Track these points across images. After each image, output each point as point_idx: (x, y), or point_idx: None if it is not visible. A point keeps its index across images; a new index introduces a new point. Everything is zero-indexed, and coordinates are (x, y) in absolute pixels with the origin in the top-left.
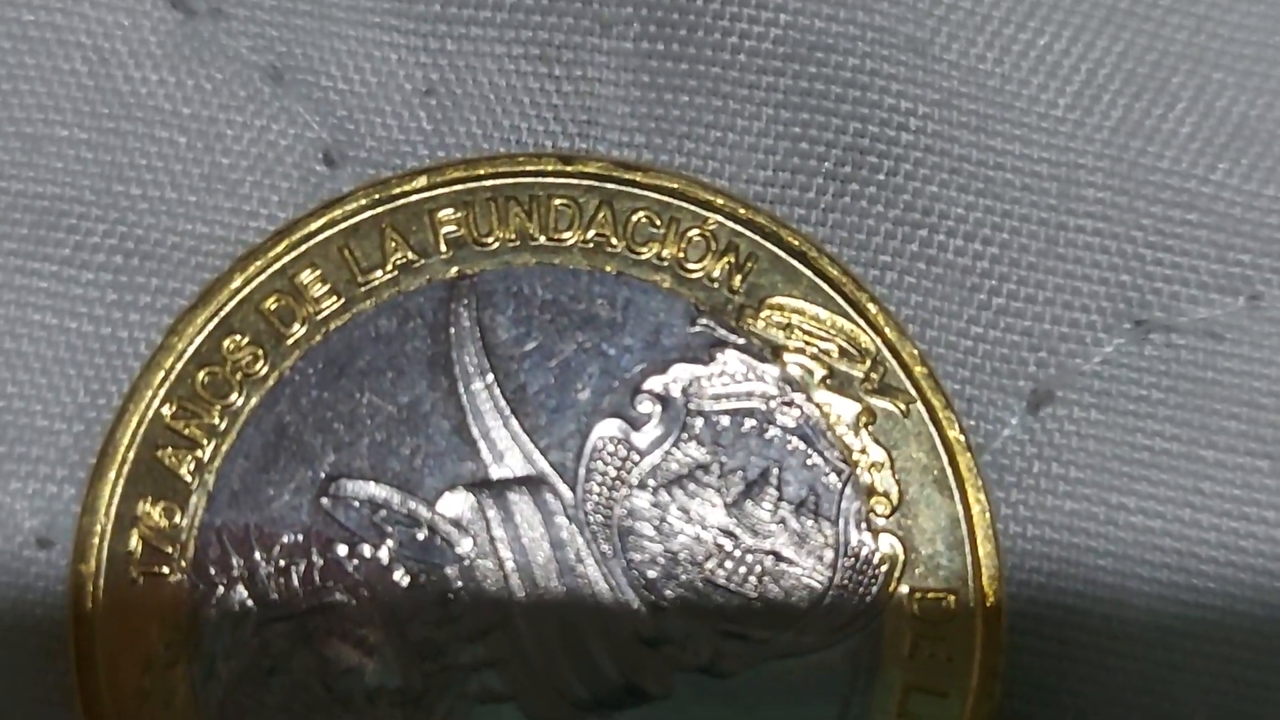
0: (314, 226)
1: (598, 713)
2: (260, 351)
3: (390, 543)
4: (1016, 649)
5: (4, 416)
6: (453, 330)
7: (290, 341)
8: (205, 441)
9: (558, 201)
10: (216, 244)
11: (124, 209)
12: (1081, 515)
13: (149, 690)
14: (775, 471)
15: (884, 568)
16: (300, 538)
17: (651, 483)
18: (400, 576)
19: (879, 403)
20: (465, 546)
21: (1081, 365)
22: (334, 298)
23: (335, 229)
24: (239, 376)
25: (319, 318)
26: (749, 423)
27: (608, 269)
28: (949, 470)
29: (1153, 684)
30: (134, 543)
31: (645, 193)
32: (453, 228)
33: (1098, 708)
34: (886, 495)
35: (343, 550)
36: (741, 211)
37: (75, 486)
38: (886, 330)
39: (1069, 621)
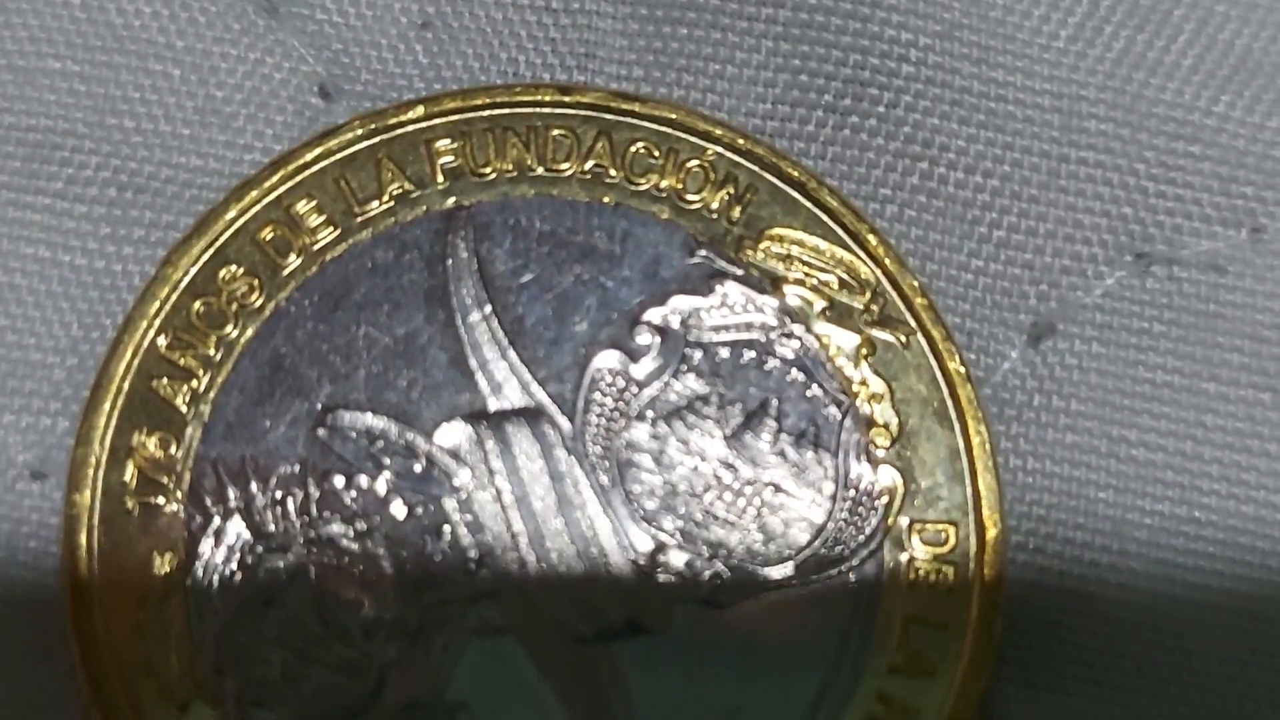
0: (309, 157)
1: (597, 646)
2: (256, 282)
3: (387, 474)
4: (1017, 582)
5: None
6: (450, 262)
7: (286, 273)
8: (200, 372)
9: (555, 132)
10: (211, 177)
11: (117, 142)
12: (1083, 448)
13: (144, 624)
14: (775, 403)
15: (884, 499)
16: (296, 469)
17: (650, 414)
18: (398, 508)
19: (879, 334)
20: (463, 478)
21: (1083, 298)
22: (330, 229)
23: (331, 159)
24: (234, 308)
25: (315, 249)
26: (748, 354)
27: (606, 200)
28: (949, 402)
29: (1154, 616)
30: (129, 473)
31: (643, 123)
32: (450, 159)
33: (1098, 641)
34: (886, 427)
35: (339, 482)
36: (740, 142)
37: (69, 420)
38: (886, 262)
39: (1070, 554)
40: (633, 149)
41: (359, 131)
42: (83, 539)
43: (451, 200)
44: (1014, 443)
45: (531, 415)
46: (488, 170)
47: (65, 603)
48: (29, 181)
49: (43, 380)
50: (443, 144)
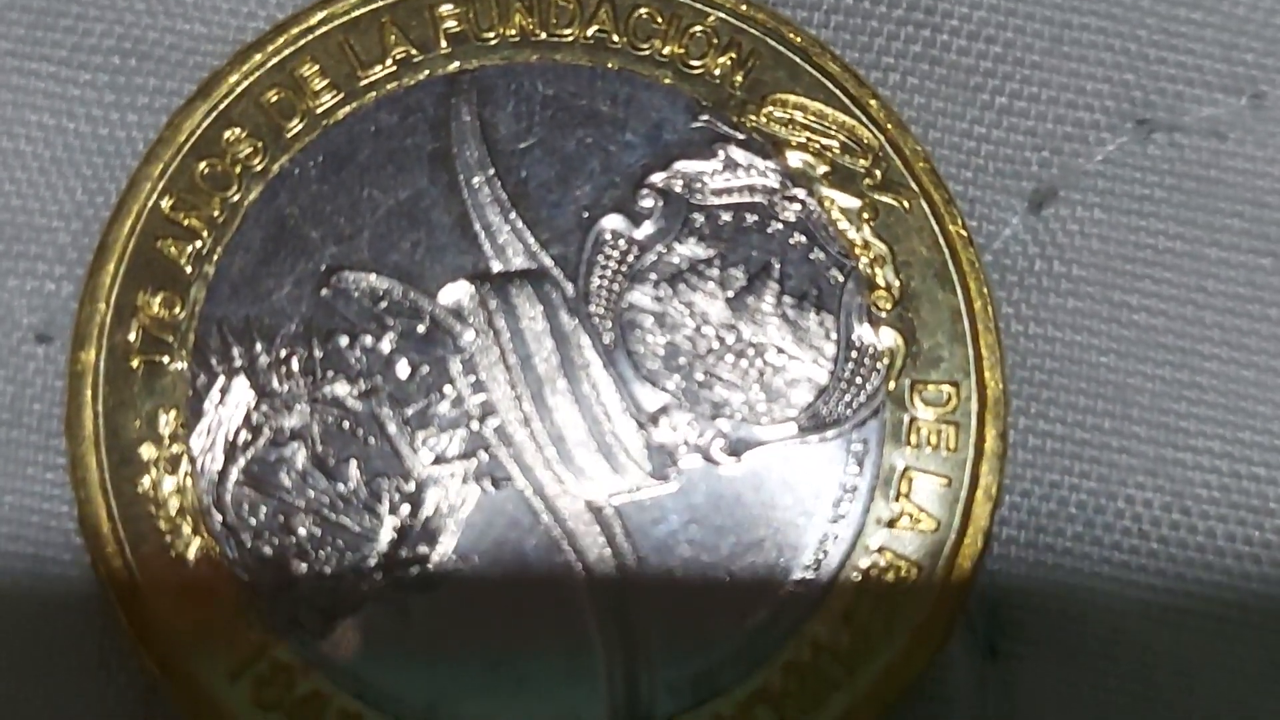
0: (313, 21)
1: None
2: (259, 145)
3: (391, 334)
4: (1018, 444)
5: (1, 215)
6: (453, 125)
7: (290, 135)
8: (205, 233)
9: None
10: (215, 44)
11: (121, 9)
12: (1084, 314)
13: (148, 480)
14: (777, 266)
15: (885, 360)
16: (301, 329)
17: (653, 276)
18: (402, 367)
19: (881, 198)
20: (467, 337)
21: (1084, 164)
22: (334, 92)
23: (335, 23)
24: (238, 170)
25: (318, 112)
26: (750, 217)
27: (609, 65)
28: (951, 264)
29: (1156, 478)
30: (134, 333)
31: None
32: (453, 23)
33: (1100, 502)
34: (888, 289)
35: (344, 341)
36: (744, 9)
37: (73, 284)
38: (889, 127)
39: (1071, 419)
40: (636, 14)
41: None
42: (88, 396)
43: (455, 65)
44: (1015, 308)
45: (535, 277)
46: (491, 35)
47: (68, 459)
48: (33, 49)
49: (47, 245)
50: (446, 9)
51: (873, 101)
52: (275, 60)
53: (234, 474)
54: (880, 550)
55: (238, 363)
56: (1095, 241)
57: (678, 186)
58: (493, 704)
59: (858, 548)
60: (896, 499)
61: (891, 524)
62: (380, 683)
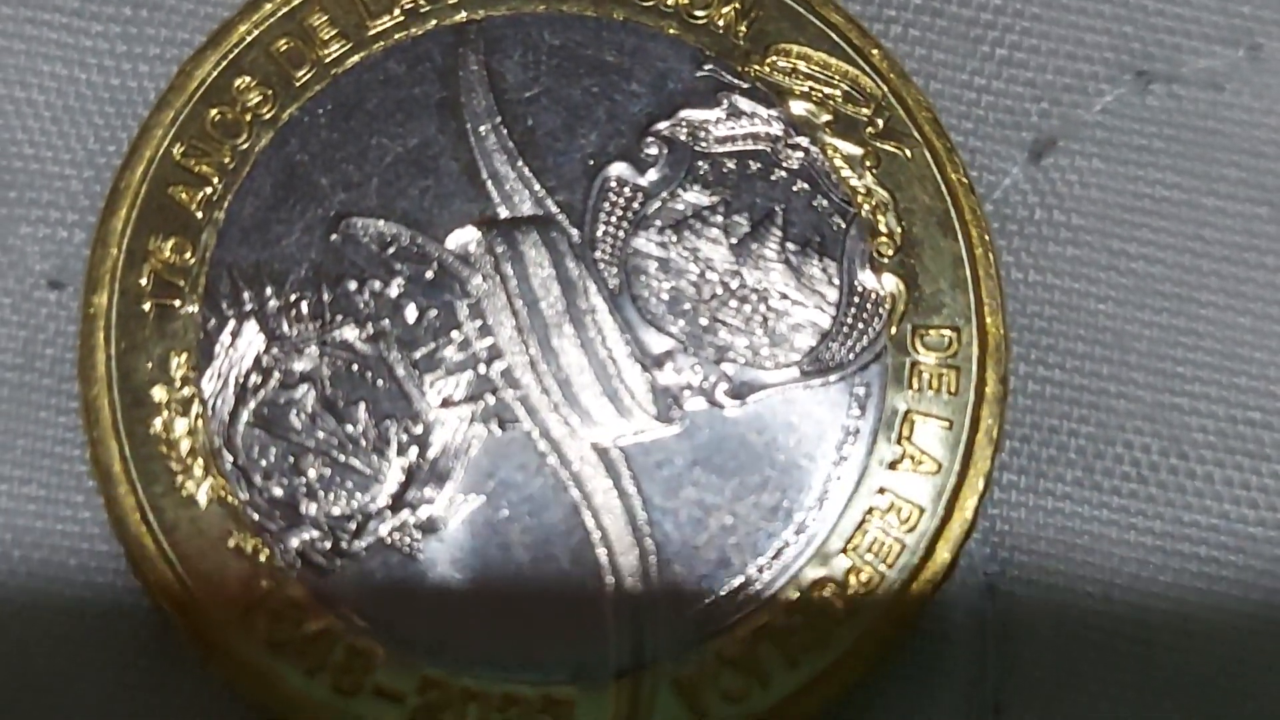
0: None
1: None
2: (269, 93)
3: (400, 279)
4: (1018, 390)
5: (14, 163)
6: (461, 74)
7: (299, 84)
8: (215, 179)
9: None
10: None
11: None
12: (1083, 261)
13: (159, 422)
14: (780, 212)
15: (887, 305)
16: (310, 273)
17: (658, 223)
18: (410, 312)
19: (883, 146)
20: (474, 282)
21: (1083, 115)
22: (342, 41)
23: None
24: (248, 117)
25: (327, 61)
26: (754, 165)
27: (615, 16)
28: (952, 212)
29: (1154, 423)
30: (145, 276)
31: None
32: None
33: (1099, 447)
34: (890, 236)
35: (352, 286)
36: None
37: (85, 231)
38: (891, 77)
39: (1070, 364)
40: None
41: None
42: (100, 339)
43: (462, 14)
44: (1016, 256)
45: (541, 223)
46: None
47: (82, 402)
48: (46, 1)
49: (60, 192)
50: None
51: (875, 52)
52: (285, 10)
53: (244, 416)
54: (882, 491)
55: (248, 307)
56: (1094, 191)
57: (682, 134)
58: (500, 643)
59: (860, 489)
60: (898, 441)
61: (893, 466)
62: (389, 622)
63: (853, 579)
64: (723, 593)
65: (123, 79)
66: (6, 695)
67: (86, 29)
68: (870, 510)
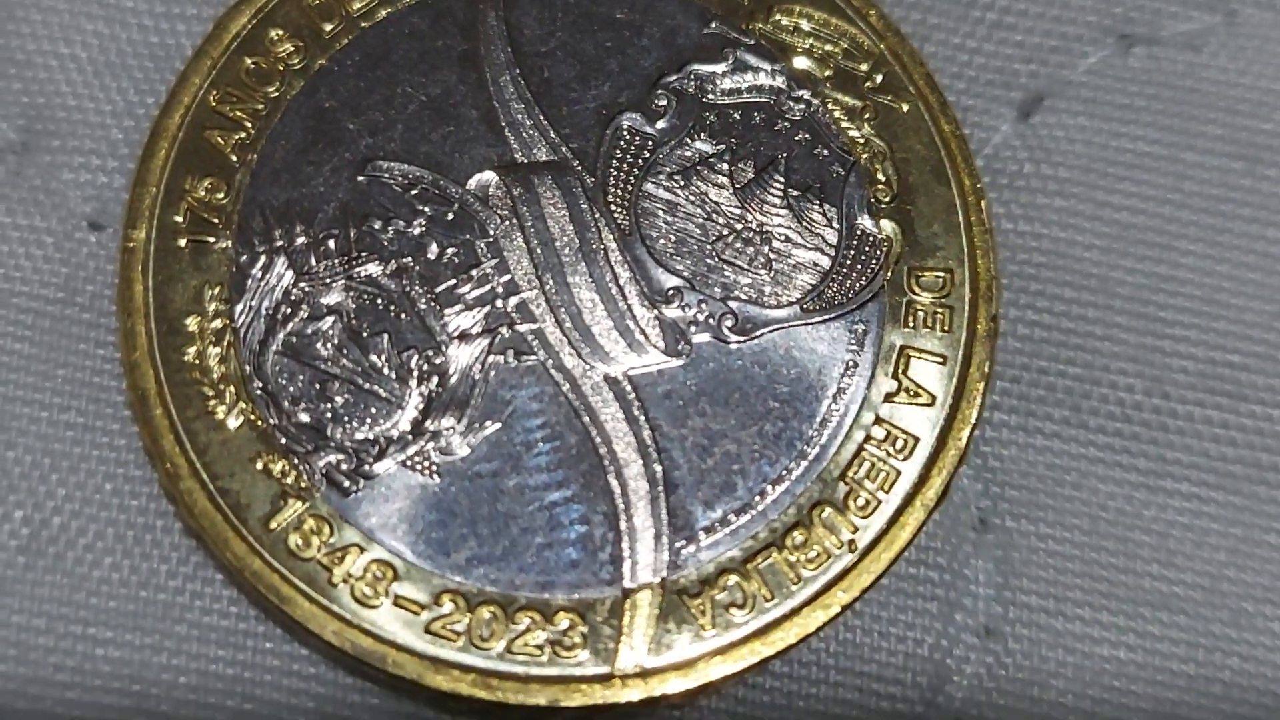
0: None
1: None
2: (301, 44)
3: (422, 219)
4: (1008, 333)
5: (58, 113)
6: (481, 29)
7: (329, 36)
8: (249, 124)
9: None
10: None
11: None
12: (1070, 212)
13: (192, 356)
14: (783, 160)
15: (885, 248)
16: (338, 212)
17: (667, 169)
18: (431, 249)
19: (881, 99)
20: (493, 223)
21: (1069, 75)
22: None
23: None
24: (281, 67)
25: (355, 14)
26: (758, 116)
27: None
28: (946, 161)
29: (1137, 364)
30: (182, 214)
31: None
32: None
33: (1086, 387)
34: (887, 183)
35: (377, 224)
36: None
37: (124, 176)
38: (888, 36)
39: (1058, 309)
40: None
41: None
42: (138, 271)
43: None
44: (1006, 207)
45: (556, 168)
46: None
47: (120, 330)
48: None
49: (101, 140)
50: None
51: (873, 13)
52: None
53: (274, 345)
54: (879, 421)
55: (278, 243)
56: (1080, 146)
57: (690, 87)
58: (513, 559)
59: (859, 419)
60: (895, 376)
61: (890, 398)
62: (408, 538)
63: (851, 503)
64: (728, 515)
65: (161, 36)
66: (50, 615)
67: None
68: (868, 439)
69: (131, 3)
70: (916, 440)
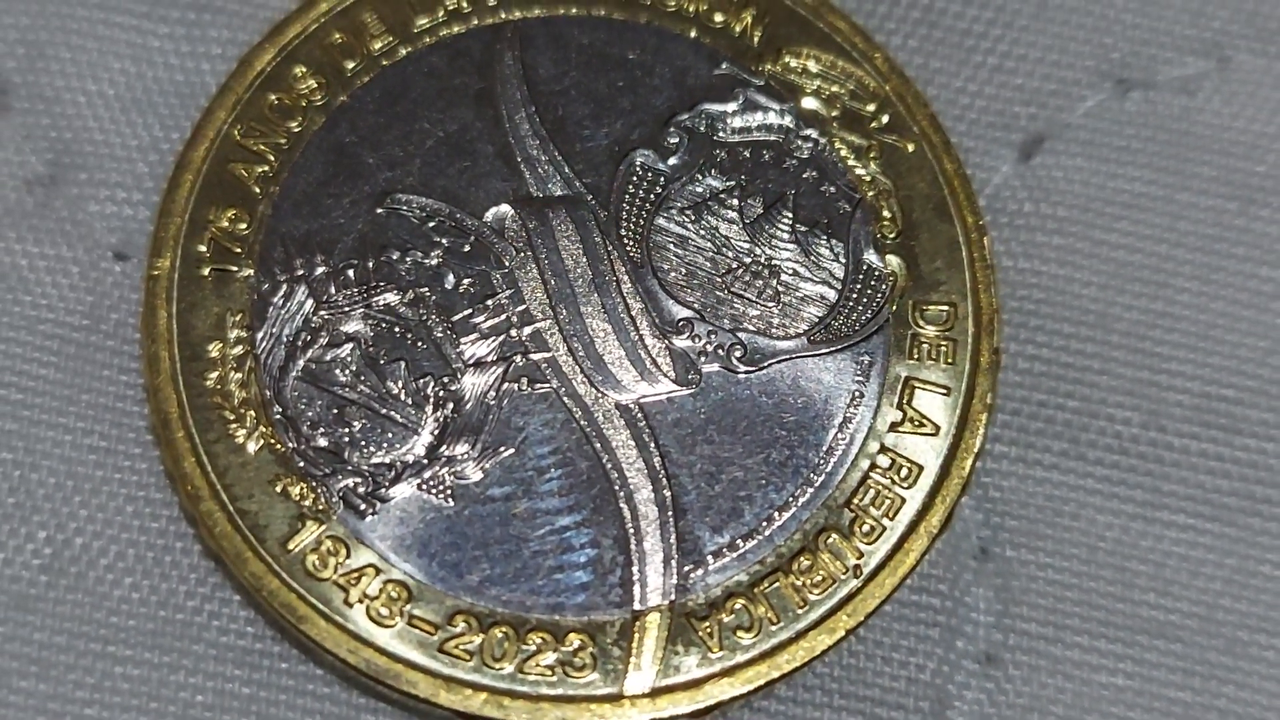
0: None
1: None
2: (323, 81)
3: (439, 250)
4: (1009, 366)
5: (85, 147)
6: (498, 68)
7: (350, 74)
8: (271, 158)
9: None
10: (284, 0)
11: None
12: (1069, 250)
13: (214, 381)
14: (791, 196)
15: (890, 282)
16: (357, 243)
17: (678, 204)
18: (448, 280)
19: (886, 139)
20: (508, 254)
21: (1067, 118)
22: (390, 37)
23: None
24: (303, 103)
25: (376, 54)
26: (767, 154)
27: (640, 19)
28: (949, 199)
29: (1134, 398)
30: (205, 244)
31: None
32: None
33: (1084, 420)
34: (892, 219)
35: (395, 255)
36: None
37: (149, 209)
38: (893, 78)
39: (1057, 343)
40: None
41: None
42: (163, 299)
43: (500, 15)
44: (1007, 245)
45: (570, 202)
46: None
47: (144, 356)
48: (118, 3)
49: (127, 173)
50: None
51: (878, 56)
52: (339, 7)
53: (294, 371)
54: (884, 450)
55: (299, 272)
56: (1078, 186)
57: (701, 125)
58: (525, 582)
59: (865, 448)
60: (900, 406)
61: (895, 427)
62: (422, 560)
63: (856, 529)
64: (735, 540)
65: (186, 75)
66: (71, 633)
67: (154, 30)
68: (873, 467)
69: (158, 42)
70: (921, 468)
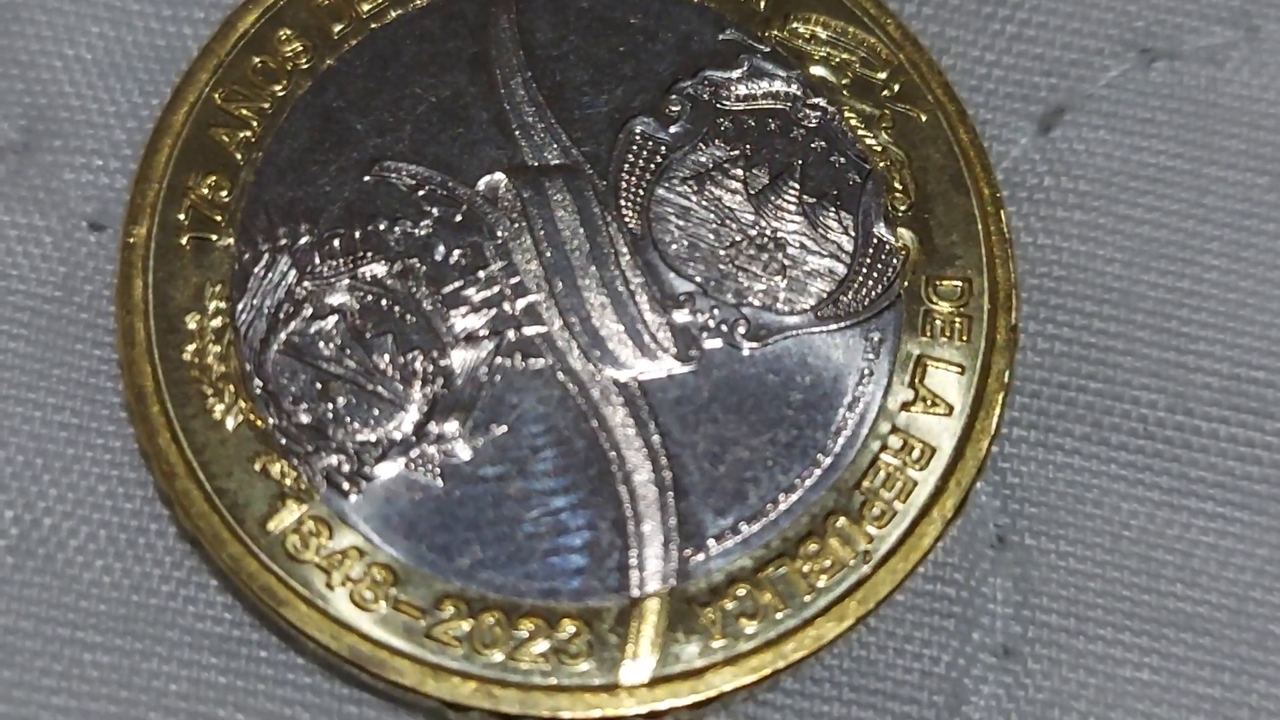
0: None
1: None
2: (309, 44)
3: (429, 220)
4: (1028, 346)
5: (60, 114)
6: (493, 31)
7: (337, 36)
8: (255, 123)
9: None
10: None
11: None
12: (1090, 226)
13: (191, 354)
14: (798, 166)
15: (901, 256)
16: (343, 212)
17: (680, 174)
18: (438, 251)
19: (898, 108)
20: (501, 224)
21: (1089, 89)
22: None
23: None
24: (288, 66)
25: (365, 16)
26: (773, 123)
27: None
28: (964, 170)
29: (1159, 379)
30: (184, 211)
31: None
32: None
33: (1107, 403)
34: (905, 191)
35: (383, 224)
36: None
37: (126, 177)
38: (906, 46)
39: (1079, 323)
40: None
41: None
42: (139, 268)
43: None
44: (1026, 220)
45: (567, 171)
46: None
47: (118, 327)
48: None
49: (103, 140)
50: None
51: (890, 22)
52: None
53: (275, 344)
54: (896, 431)
55: (282, 242)
56: (1100, 160)
57: (704, 93)
58: (517, 566)
59: (876, 428)
60: (913, 384)
61: (907, 407)
62: (409, 542)
63: (866, 513)
64: (739, 523)
65: (166, 39)
66: (38, 618)
67: None
68: (884, 448)
69: (137, 5)
70: (934, 450)
